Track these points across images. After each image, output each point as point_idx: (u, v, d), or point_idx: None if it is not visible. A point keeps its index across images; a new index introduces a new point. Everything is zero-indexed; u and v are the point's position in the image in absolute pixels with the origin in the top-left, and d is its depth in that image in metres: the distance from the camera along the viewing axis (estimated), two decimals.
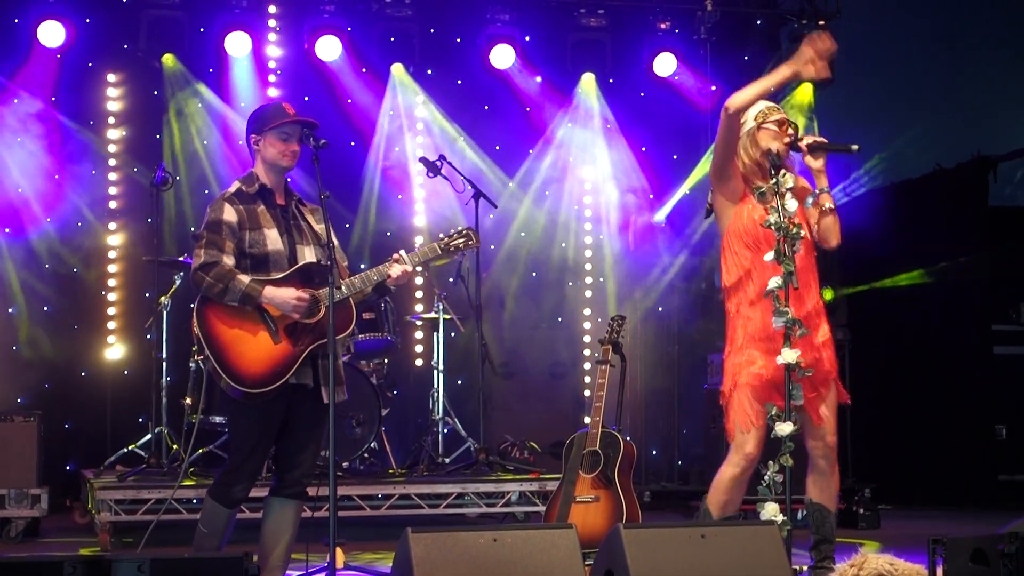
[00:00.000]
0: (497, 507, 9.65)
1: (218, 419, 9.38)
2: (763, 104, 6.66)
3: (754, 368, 6.45)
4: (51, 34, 10.98)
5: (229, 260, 6.32)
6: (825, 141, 6.58)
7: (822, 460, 6.43)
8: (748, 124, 6.63)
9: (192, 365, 9.28)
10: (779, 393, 6.33)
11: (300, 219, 6.57)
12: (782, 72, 6.54)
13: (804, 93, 12.24)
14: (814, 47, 6.45)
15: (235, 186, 6.53)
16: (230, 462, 6.57)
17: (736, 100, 6.47)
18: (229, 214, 6.38)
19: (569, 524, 5.85)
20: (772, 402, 6.34)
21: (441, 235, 6.86)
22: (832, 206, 6.59)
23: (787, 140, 6.57)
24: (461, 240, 6.79)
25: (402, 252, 6.59)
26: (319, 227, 6.57)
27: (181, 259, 9.85)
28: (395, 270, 6.50)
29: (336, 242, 6.47)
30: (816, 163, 6.52)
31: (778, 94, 12.10)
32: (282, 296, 6.29)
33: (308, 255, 6.47)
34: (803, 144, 6.52)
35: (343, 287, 6.35)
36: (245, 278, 6.27)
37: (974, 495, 11.81)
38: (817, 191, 6.58)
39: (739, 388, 6.49)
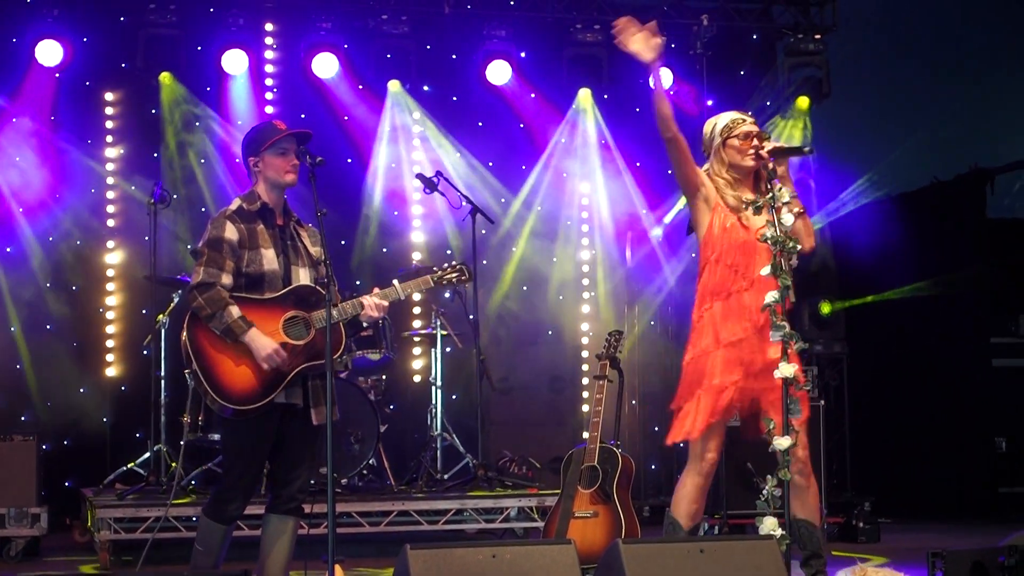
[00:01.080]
0: (496, 523, 9.64)
1: (216, 436, 9.36)
2: (729, 117, 6.69)
3: (714, 380, 6.46)
4: (49, 53, 10.98)
5: (228, 279, 6.34)
6: (782, 145, 6.57)
7: (797, 475, 6.39)
8: (715, 140, 6.68)
9: (189, 383, 9.28)
10: (735, 403, 6.41)
11: (297, 240, 6.59)
12: (653, 74, 6.66)
13: (800, 105, 12.25)
14: (631, 43, 6.60)
15: (236, 203, 6.54)
16: (224, 480, 6.61)
17: (661, 126, 6.58)
18: (230, 232, 6.40)
19: (568, 540, 5.85)
20: (721, 406, 6.39)
21: (435, 268, 6.89)
22: (801, 210, 6.56)
23: (751, 153, 6.57)
24: (454, 275, 6.85)
25: (395, 281, 6.64)
26: (315, 249, 6.59)
27: (179, 277, 9.86)
28: (367, 301, 6.51)
29: (328, 262, 6.48)
30: (779, 169, 6.48)
31: (775, 109, 12.25)
32: (261, 344, 6.28)
33: (303, 276, 6.49)
34: (764, 153, 6.52)
35: (335, 312, 6.34)
36: (235, 311, 6.28)
37: (974, 508, 11.81)
38: (788, 196, 6.53)
39: (699, 396, 6.49)
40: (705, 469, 6.54)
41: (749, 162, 6.55)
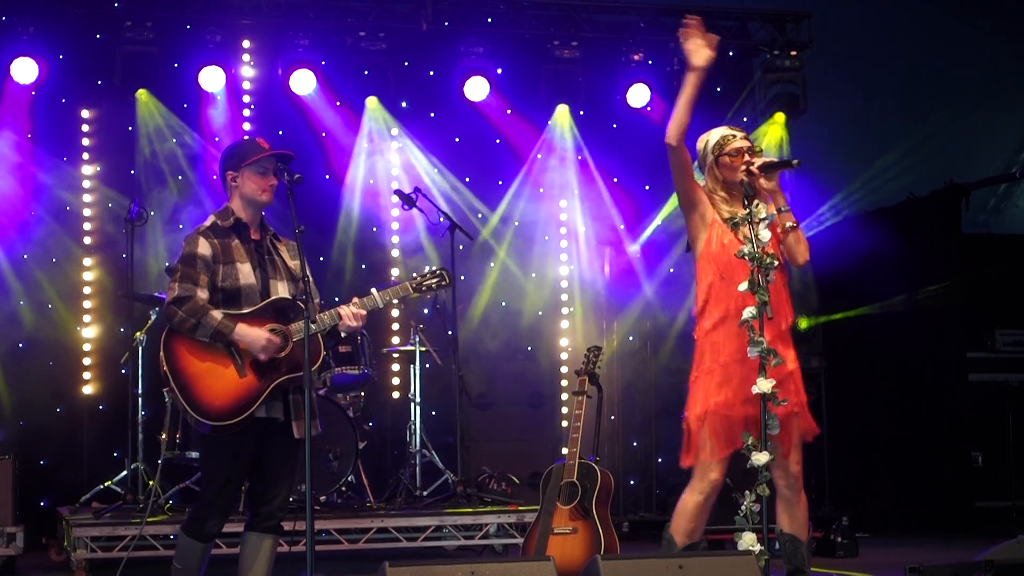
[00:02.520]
0: (475, 539, 9.63)
1: (194, 454, 9.34)
2: (720, 133, 6.70)
3: (720, 398, 6.45)
4: (24, 71, 10.95)
5: (203, 294, 6.35)
6: (773, 160, 6.59)
7: (787, 490, 6.40)
8: (708, 157, 6.70)
9: (167, 401, 9.25)
10: (745, 423, 6.35)
11: (275, 254, 6.59)
12: (689, 79, 6.61)
13: (776, 123, 12.30)
14: (691, 42, 6.64)
15: (210, 220, 6.55)
16: (202, 497, 6.59)
17: (670, 131, 6.55)
18: (203, 248, 6.40)
19: (547, 556, 5.85)
20: (737, 431, 6.36)
21: (414, 274, 6.90)
22: (793, 224, 6.58)
23: (743, 168, 6.58)
24: (434, 280, 6.83)
25: (374, 290, 6.61)
26: (293, 263, 6.59)
27: (156, 294, 9.84)
28: (345, 311, 6.50)
29: (311, 279, 6.49)
30: (769, 184, 6.50)
31: (751, 125, 12.28)
32: (253, 335, 6.30)
33: (281, 290, 6.49)
34: (754, 168, 6.53)
35: (312, 325, 6.33)
36: (218, 314, 6.29)
37: (951, 522, 11.84)
38: (777, 211, 6.55)
39: (708, 416, 6.48)
40: (707, 489, 6.50)
41: (741, 177, 6.55)
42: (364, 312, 6.57)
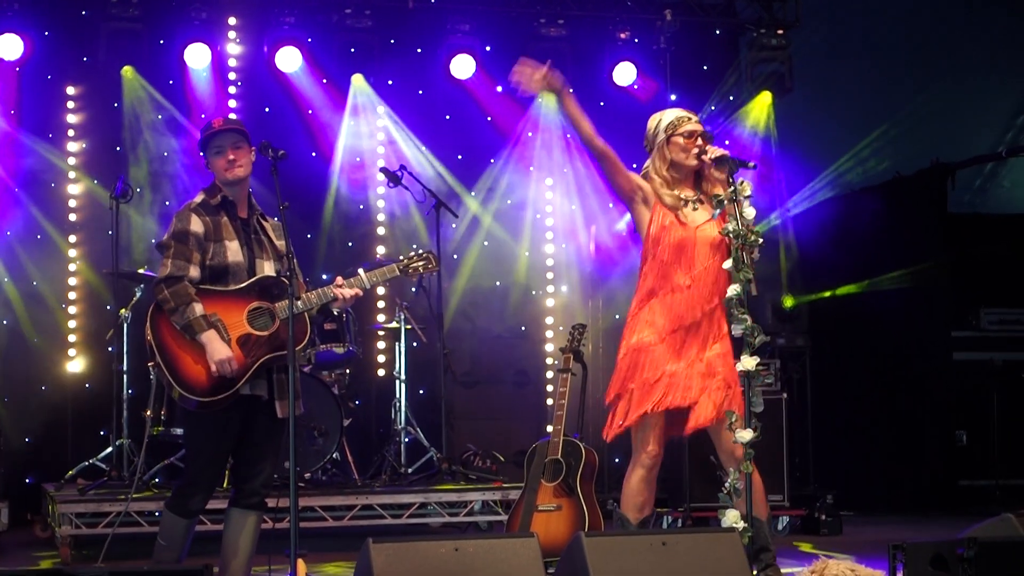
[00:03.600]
0: (460, 516, 9.65)
1: (179, 431, 9.33)
2: (674, 115, 6.74)
3: (645, 374, 6.50)
4: (9, 47, 10.90)
5: (195, 272, 6.36)
6: (727, 155, 6.60)
7: (736, 471, 6.42)
8: (659, 136, 6.72)
9: (152, 378, 9.24)
10: (666, 395, 6.48)
11: (261, 233, 6.59)
12: (559, 101, 6.80)
13: (763, 100, 12.29)
14: (522, 81, 6.75)
15: (200, 196, 6.56)
16: (186, 474, 6.63)
17: (583, 138, 6.74)
18: (196, 224, 6.41)
19: (531, 533, 5.86)
20: (657, 402, 6.46)
21: (401, 256, 6.92)
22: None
23: (695, 151, 6.61)
24: (421, 263, 6.85)
25: (361, 271, 6.62)
26: (279, 243, 6.60)
27: (142, 271, 9.83)
28: (346, 292, 6.53)
29: (294, 256, 6.50)
30: (720, 175, 6.55)
31: (737, 104, 12.28)
32: (216, 348, 6.27)
33: (267, 268, 6.50)
34: (707, 158, 6.56)
35: (299, 302, 6.36)
36: (198, 309, 6.29)
37: (935, 501, 11.87)
38: (750, 191, 6.56)
39: (632, 390, 6.54)
40: (647, 462, 6.59)
41: (692, 162, 6.63)
42: (359, 291, 6.58)
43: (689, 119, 6.71)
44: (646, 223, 6.66)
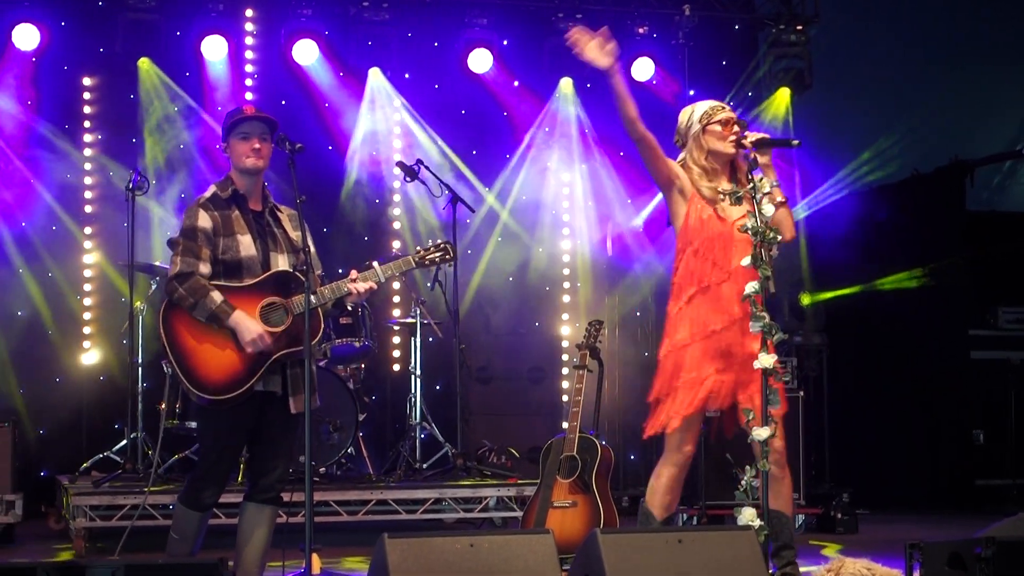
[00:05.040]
0: (475, 512, 9.62)
1: (193, 424, 9.31)
2: (708, 104, 6.69)
3: (690, 374, 6.47)
4: (26, 37, 10.91)
5: (206, 268, 6.33)
6: (768, 137, 6.56)
7: (773, 466, 6.37)
8: (694, 127, 6.66)
9: (167, 372, 9.22)
10: (713, 396, 6.42)
11: (275, 226, 6.55)
12: (611, 80, 6.60)
13: (782, 97, 12.24)
14: (586, 51, 6.61)
15: (211, 191, 6.53)
16: (199, 467, 6.62)
17: (627, 126, 6.58)
18: (204, 220, 6.38)
19: (546, 529, 5.82)
20: (704, 403, 6.42)
21: (418, 248, 6.86)
22: (783, 199, 6.55)
23: (732, 139, 6.57)
24: (437, 254, 6.77)
25: (375, 264, 6.57)
26: (294, 234, 6.57)
27: (158, 263, 9.81)
28: (360, 286, 6.48)
29: (312, 248, 6.47)
30: (762, 159, 6.47)
31: (756, 100, 12.23)
32: (247, 326, 6.27)
33: (281, 262, 6.46)
34: (747, 142, 6.50)
35: (312, 297, 6.30)
36: (217, 296, 6.27)
37: (952, 500, 11.84)
38: (774, 184, 6.52)
39: (676, 389, 6.50)
40: (681, 461, 6.54)
41: (729, 149, 6.55)
42: (374, 284, 6.54)
43: (724, 108, 6.67)
44: (683, 215, 6.60)
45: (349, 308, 6.73)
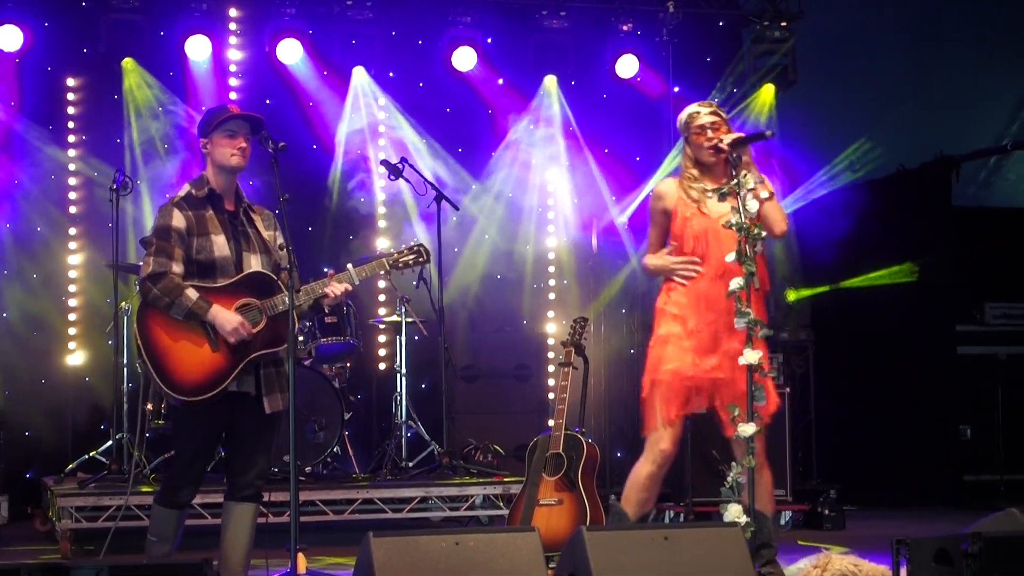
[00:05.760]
0: (461, 511, 9.61)
1: None
2: (689, 111, 6.79)
3: (670, 365, 6.48)
4: (8, 38, 10.87)
5: (178, 267, 6.33)
6: (742, 135, 6.58)
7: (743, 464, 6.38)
8: (684, 132, 6.82)
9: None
10: (695, 392, 6.49)
11: (248, 226, 6.55)
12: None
13: (766, 93, 12.24)
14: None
15: (185, 190, 6.53)
16: (174, 467, 6.64)
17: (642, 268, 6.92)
18: (178, 220, 6.38)
19: (532, 527, 5.82)
20: (684, 397, 6.47)
21: (392, 251, 6.86)
22: (769, 193, 6.56)
23: (709, 145, 6.59)
24: (411, 257, 6.79)
25: (350, 266, 6.58)
26: (268, 234, 6.58)
27: (142, 264, 9.78)
28: (335, 289, 6.48)
29: (291, 248, 6.46)
30: (744, 156, 6.52)
31: (741, 96, 12.23)
32: (226, 318, 6.27)
33: (255, 262, 6.46)
34: (723, 145, 6.54)
35: (287, 299, 6.30)
36: (193, 294, 6.27)
37: (939, 496, 11.84)
38: (760, 179, 6.53)
39: (656, 384, 6.52)
40: (660, 460, 6.57)
41: (709, 157, 6.62)
42: (349, 287, 6.53)
43: (700, 113, 6.73)
44: (671, 224, 6.69)
45: (326, 310, 6.72)
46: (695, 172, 6.72)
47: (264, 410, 6.43)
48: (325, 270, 6.64)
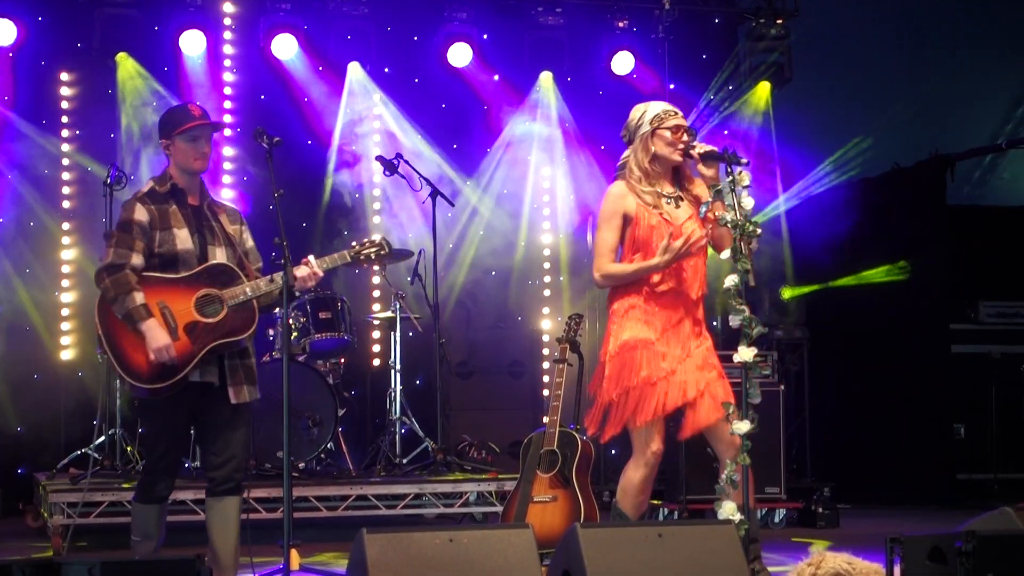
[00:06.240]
0: (455, 507, 9.59)
1: None
2: (661, 107, 6.66)
3: (642, 373, 6.48)
4: (2, 32, 10.86)
5: (138, 260, 6.39)
6: (715, 150, 6.51)
7: (732, 462, 6.37)
8: (643, 128, 6.61)
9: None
10: (667, 393, 6.45)
11: (212, 220, 6.62)
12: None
13: (762, 90, 12.23)
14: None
15: (148, 185, 6.62)
16: (148, 463, 6.70)
17: (604, 276, 6.69)
18: (140, 214, 6.45)
19: (526, 524, 5.81)
20: (662, 400, 6.43)
21: (353, 243, 6.88)
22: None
23: (680, 147, 6.55)
24: (372, 249, 6.85)
25: (311, 257, 6.63)
26: (232, 227, 6.64)
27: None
28: (301, 271, 6.53)
29: (252, 243, 6.65)
30: (708, 172, 6.45)
31: (736, 94, 12.23)
32: (155, 335, 6.28)
33: (219, 255, 6.53)
34: (695, 153, 6.49)
35: (248, 289, 6.42)
36: (139, 298, 6.31)
37: (932, 494, 11.83)
38: (711, 199, 6.50)
39: (633, 389, 6.49)
40: (652, 461, 6.54)
41: (676, 157, 6.57)
42: (317, 271, 6.57)
43: (676, 113, 6.64)
44: (630, 230, 6.59)
45: (296, 295, 6.75)
46: (648, 170, 6.61)
47: (230, 400, 6.46)
48: (304, 259, 6.67)
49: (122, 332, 6.34)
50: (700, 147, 6.50)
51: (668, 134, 6.56)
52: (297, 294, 6.74)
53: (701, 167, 6.46)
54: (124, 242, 6.37)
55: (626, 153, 6.70)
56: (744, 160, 6.54)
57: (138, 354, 6.31)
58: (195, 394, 6.42)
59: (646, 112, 6.64)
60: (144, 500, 6.53)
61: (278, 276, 6.48)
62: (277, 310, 6.63)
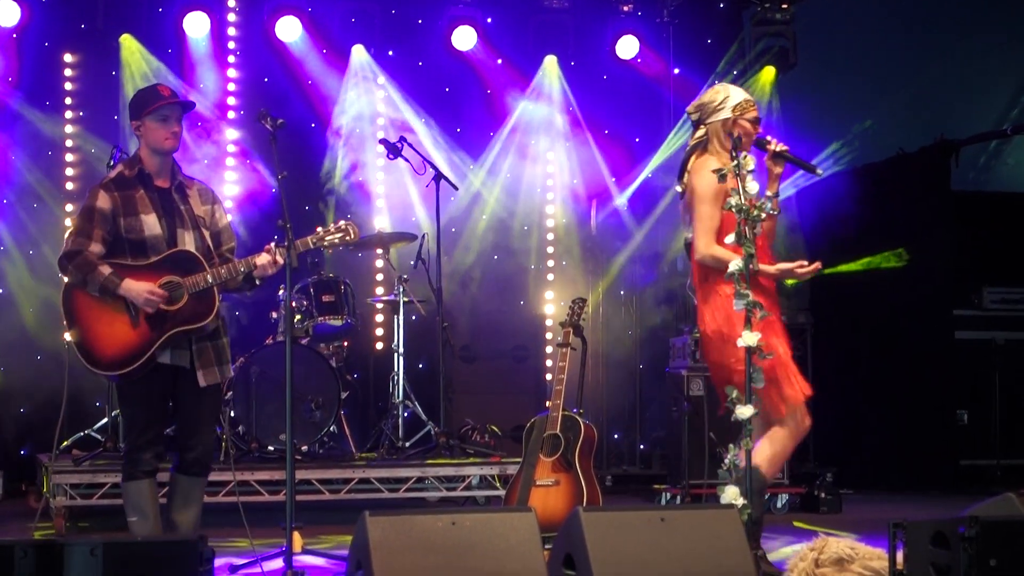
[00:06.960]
0: (457, 491, 9.60)
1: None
2: (741, 96, 6.78)
3: (780, 348, 6.62)
4: (6, 14, 10.85)
5: (96, 247, 6.47)
6: (789, 151, 6.64)
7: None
8: (724, 112, 6.72)
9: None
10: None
11: (182, 203, 6.67)
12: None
13: (767, 75, 12.20)
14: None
15: (117, 170, 6.70)
16: (128, 441, 6.78)
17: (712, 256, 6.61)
18: (102, 201, 6.52)
19: (528, 507, 5.80)
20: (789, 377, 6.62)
21: (319, 228, 6.87)
22: (775, 212, 6.62)
23: (757, 139, 6.72)
24: (338, 235, 6.87)
25: (272, 244, 6.67)
26: (202, 209, 6.71)
27: None
28: (261, 259, 6.61)
29: (225, 221, 6.77)
30: (776, 168, 6.68)
31: (741, 78, 12.20)
32: (137, 289, 6.40)
33: (188, 239, 6.60)
34: (771, 147, 6.60)
35: (209, 277, 6.51)
36: (105, 269, 6.41)
37: (936, 480, 11.82)
38: (767, 195, 6.57)
39: (780, 364, 6.58)
40: (803, 433, 6.70)
41: (747, 147, 6.61)
42: (278, 258, 6.61)
43: (755, 105, 6.82)
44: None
45: (257, 282, 6.79)
46: (721, 152, 6.70)
47: (199, 383, 6.55)
48: (267, 246, 6.70)
49: (86, 318, 6.45)
50: (776, 144, 6.70)
51: (749, 125, 6.71)
52: (258, 282, 6.76)
53: (769, 162, 6.69)
54: (83, 230, 6.48)
55: (698, 134, 6.80)
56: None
57: (101, 340, 6.43)
58: (167, 376, 6.55)
59: (728, 98, 6.77)
60: (132, 477, 6.60)
61: (239, 263, 6.58)
62: (281, 291, 6.67)
